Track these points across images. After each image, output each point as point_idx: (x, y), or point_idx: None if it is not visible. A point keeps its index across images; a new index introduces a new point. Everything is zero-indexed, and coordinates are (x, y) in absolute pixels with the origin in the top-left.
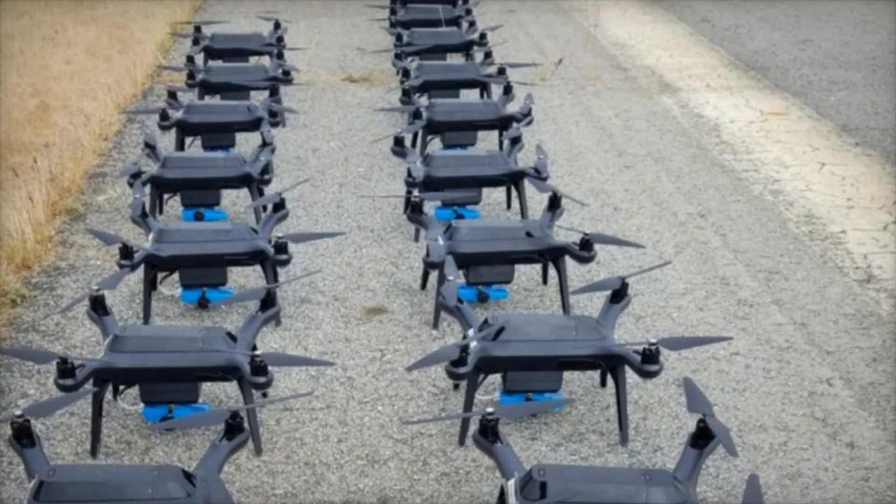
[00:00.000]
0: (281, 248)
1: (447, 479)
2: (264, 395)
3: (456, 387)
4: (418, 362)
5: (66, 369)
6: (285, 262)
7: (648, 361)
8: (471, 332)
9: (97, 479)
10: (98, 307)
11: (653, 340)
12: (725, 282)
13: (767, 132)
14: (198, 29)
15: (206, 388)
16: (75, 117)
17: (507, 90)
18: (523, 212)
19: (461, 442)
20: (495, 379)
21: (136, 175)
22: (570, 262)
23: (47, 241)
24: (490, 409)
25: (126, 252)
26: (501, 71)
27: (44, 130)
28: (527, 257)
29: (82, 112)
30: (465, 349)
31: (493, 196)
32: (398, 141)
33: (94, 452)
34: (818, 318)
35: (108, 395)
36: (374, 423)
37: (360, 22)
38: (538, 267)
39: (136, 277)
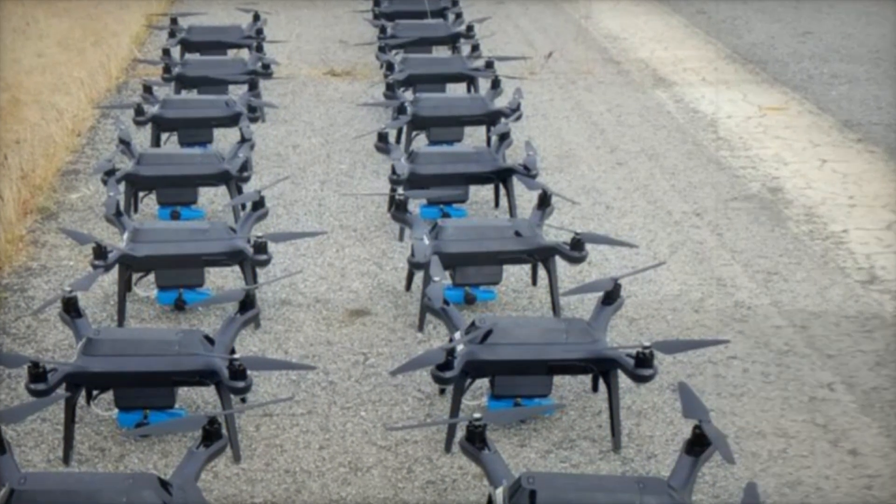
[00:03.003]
0: (260, 248)
1: (433, 488)
2: (243, 400)
3: (442, 391)
4: (403, 366)
5: (37, 373)
6: (265, 263)
7: (642, 365)
8: (457, 334)
9: (70, 487)
10: (71, 309)
11: (647, 343)
12: (722, 283)
13: (766, 128)
14: (174, 21)
15: (183, 392)
16: (47, 112)
17: (496, 84)
18: (512, 210)
19: (447, 449)
20: (483, 383)
21: (110, 172)
22: (561, 263)
23: (18, 240)
24: (477, 415)
25: (100, 252)
26: (489, 64)
27: (14, 126)
28: (515, 258)
29: (54, 107)
30: (451, 352)
31: (481, 194)
32: (382, 137)
33: (66, 460)
34: (819, 321)
35: (82, 400)
36: (357, 430)
37: (343, 14)
38: (528, 268)
39: (111, 278)
